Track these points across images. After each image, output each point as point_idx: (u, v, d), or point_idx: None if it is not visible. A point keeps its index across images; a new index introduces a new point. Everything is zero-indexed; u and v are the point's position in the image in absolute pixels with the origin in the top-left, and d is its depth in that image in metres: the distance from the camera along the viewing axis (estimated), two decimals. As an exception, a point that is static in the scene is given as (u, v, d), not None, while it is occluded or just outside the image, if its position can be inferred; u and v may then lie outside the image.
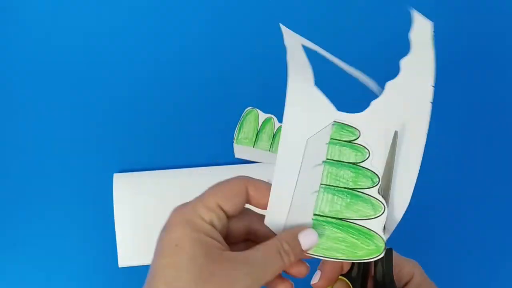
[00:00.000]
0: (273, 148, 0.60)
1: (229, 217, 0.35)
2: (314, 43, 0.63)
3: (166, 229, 0.34)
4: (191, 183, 0.58)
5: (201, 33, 0.61)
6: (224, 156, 0.60)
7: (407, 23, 0.41)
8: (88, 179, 0.58)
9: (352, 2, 0.63)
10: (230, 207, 0.35)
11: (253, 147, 0.60)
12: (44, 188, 0.58)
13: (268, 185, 0.37)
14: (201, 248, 0.32)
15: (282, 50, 0.64)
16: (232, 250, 0.35)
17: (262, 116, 0.60)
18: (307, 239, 0.35)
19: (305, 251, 0.35)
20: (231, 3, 0.62)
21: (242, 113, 0.60)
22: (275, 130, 0.60)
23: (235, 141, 0.59)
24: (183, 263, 0.31)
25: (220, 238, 0.34)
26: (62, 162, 0.59)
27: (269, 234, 0.36)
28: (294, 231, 0.36)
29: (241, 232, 0.37)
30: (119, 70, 0.60)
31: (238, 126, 0.60)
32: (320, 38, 0.65)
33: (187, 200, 0.36)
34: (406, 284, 0.40)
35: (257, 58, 0.61)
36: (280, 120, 0.62)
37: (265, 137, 0.60)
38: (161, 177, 0.58)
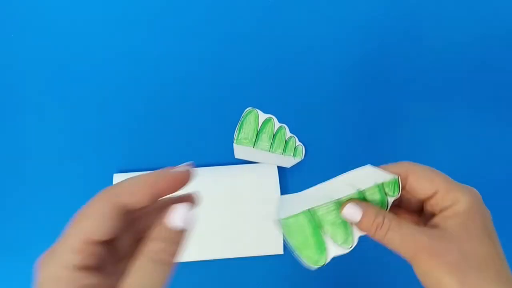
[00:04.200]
0: (273, 148, 0.60)
1: (107, 241, 0.29)
2: (314, 45, 0.64)
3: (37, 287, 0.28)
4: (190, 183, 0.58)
5: (201, 34, 0.61)
6: (224, 156, 0.60)
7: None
8: (88, 180, 0.58)
9: (351, 2, 0.63)
10: (104, 233, 0.28)
11: (253, 147, 0.60)
12: (44, 189, 0.58)
13: (140, 180, 0.30)
14: None
15: (282, 50, 0.65)
16: (120, 265, 0.31)
17: (262, 116, 0.60)
18: (179, 218, 0.29)
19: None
20: (231, 3, 0.62)
21: (242, 113, 0.60)
22: (275, 130, 0.60)
23: (235, 141, 0.59)
24: None
25: (98, 280, 0.28)
26: (61, 163, 0.59)
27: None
28: (161, 221, 0.30)
29: (130, 243, 0.32)
30: (118, 72, 0.60)
31: (238, 126, 0.60)
32: (319, 38, 0.65)
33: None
34: (444, 209, 0.36)
35: (257, 59, 0.61)
36: (280, 120, 0.63)
37: (265, 137, 0.60)
38: (161, 177, 0.58)
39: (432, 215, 0.37)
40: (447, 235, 0.34)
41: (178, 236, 0.29)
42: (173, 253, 0.29)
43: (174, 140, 0.60)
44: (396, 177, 0.38)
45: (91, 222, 0.29)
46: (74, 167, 0.59)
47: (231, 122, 0.60)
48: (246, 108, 0.60)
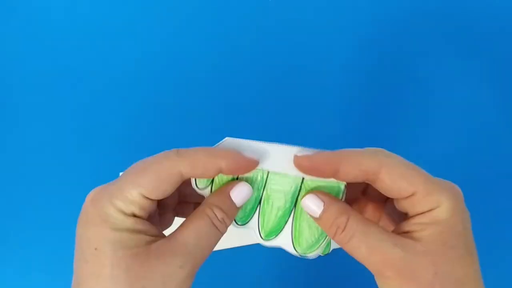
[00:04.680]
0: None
1: (156, 201, 0.31)
2: (312, 45, 0.64)
3: (82, 224, 0.31)
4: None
5: (203, 34, 0.62)
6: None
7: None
8: (94, 179, 0.58)
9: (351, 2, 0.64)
10: (157, 195, 0.31)
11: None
12: (49, 188, 0.59)
13: (205, 157, 0.31)
14: (125, 251, 0.29)
15: (282, 49, 0.65)
16: (163, 218, 0.33)
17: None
18: (240, 195, 0.33)
19: (240, 206, 0.33)
20: (231, 3, 0.62)
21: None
22: None
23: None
24: (106, 272, 0.29)
25: (147, 227, 0.30)
26: (67, 163, 0.59)
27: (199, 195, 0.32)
28: (225, 190, 0.32)
29: (173, 202, 0.35)
30: (122, 71, 0.61)
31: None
32: (319, 38, 0.65)
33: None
34: (421, 213, 0.30)
35: (257, 58, 0.62)
36: (282, 116, 0.62)
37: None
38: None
39: (405, 214, 0.32)
40: (422, 249, 0.30)
41: (235, 211, 0.32)
42: (228, 224, 0.32)
43: (179, 137, 0.60)
44: (342, 186, 0.33)
45: (150, 182, 0.30)
46: (79, 166, 0.59)
47: (232, 118, 0.61)
48: (247, 112, 0.60)
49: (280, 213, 0.34)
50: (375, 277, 0.31)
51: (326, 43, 0.63)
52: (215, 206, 0.32)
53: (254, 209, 0.35)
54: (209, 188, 0.35)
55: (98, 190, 0.31)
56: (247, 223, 0.35)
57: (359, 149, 0.32)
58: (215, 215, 0.31)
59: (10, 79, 0.61)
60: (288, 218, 0.34)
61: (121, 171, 0.58)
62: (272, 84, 0.62)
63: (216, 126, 0.61)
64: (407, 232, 0.31)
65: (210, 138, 0.60)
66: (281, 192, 0.34)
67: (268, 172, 0.34)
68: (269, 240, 0.34)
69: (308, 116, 0.62)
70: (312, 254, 0.34)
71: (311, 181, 0.33)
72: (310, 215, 0.33)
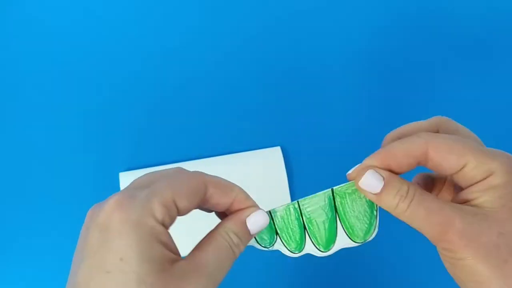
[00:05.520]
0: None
1: (179, 214, 0.30)
2: (313, 45, 0.63)
3: (103, 230, 0.27)
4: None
5: (201, 32, 0.61)
6: (225, 147, 0.60)
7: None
8: (93, 179, 0.58)
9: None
10: (184, 205, 0.29)
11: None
12: (50, 188, 0.57)
13: (228, 184, 0.32)
14: (151, 265, 0.26)
15: (281, 48, 0.64)
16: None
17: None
18: (256, 224, 0.32)
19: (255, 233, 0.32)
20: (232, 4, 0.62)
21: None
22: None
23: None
24: (131, 286, 0.26)
25: (171, 241, 0.28)
26: (67, 163, 0.58)
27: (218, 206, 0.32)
28: (241, 217, 0.32)
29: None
30: (121, 70, 0.60)
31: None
32: (318, 37, 0.65)
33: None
34: (475, 183, 0.29)
35: (256, 57, 0.61)
36: (287, 112, 0.62)
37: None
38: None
39: (459, 188, 0.31)
40: (482, 213, 0.29)
41: (250, 238, 0.32)
42: (242, 249, 0.31)
43: (178, 136, 0.60)
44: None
45: (185, 189, 0.29)
46: (79, 166, 0.58)
47: (230, 116, 0.60)
48: (247, 107, 0.60)
49: (327, 225, 0.34)
50: (436, 246, 0.30)
51: (329, 46, 0.63)
52: (231, 231, 0.31)
53: (303, 236, 0.35)
54: (275, 244, 0.35)
55: (126, 195, 0.28)
56: (303, 249, 0.35)
57: (400, 140, 0.31)
58: (231, 239, 0.31)
59: (9, 80, 0.61)
60: (336, 224, 0.34)
61: (121, 171, 0.57)
62: (275, 86, 0.62)
63: (216, 128, 0.61)
64: (465, 201, 0.30)
65: (210, 139, 0.60)
66: (318, 209, 0.34)
67: (298, 201, 0.34)
68: (329, 249, 0.35)
69: (309, 118, 0.61)
70: (371, 237, 0.34)
71: (340, 186, 0.33)
72: (368, 193, 0.31)
